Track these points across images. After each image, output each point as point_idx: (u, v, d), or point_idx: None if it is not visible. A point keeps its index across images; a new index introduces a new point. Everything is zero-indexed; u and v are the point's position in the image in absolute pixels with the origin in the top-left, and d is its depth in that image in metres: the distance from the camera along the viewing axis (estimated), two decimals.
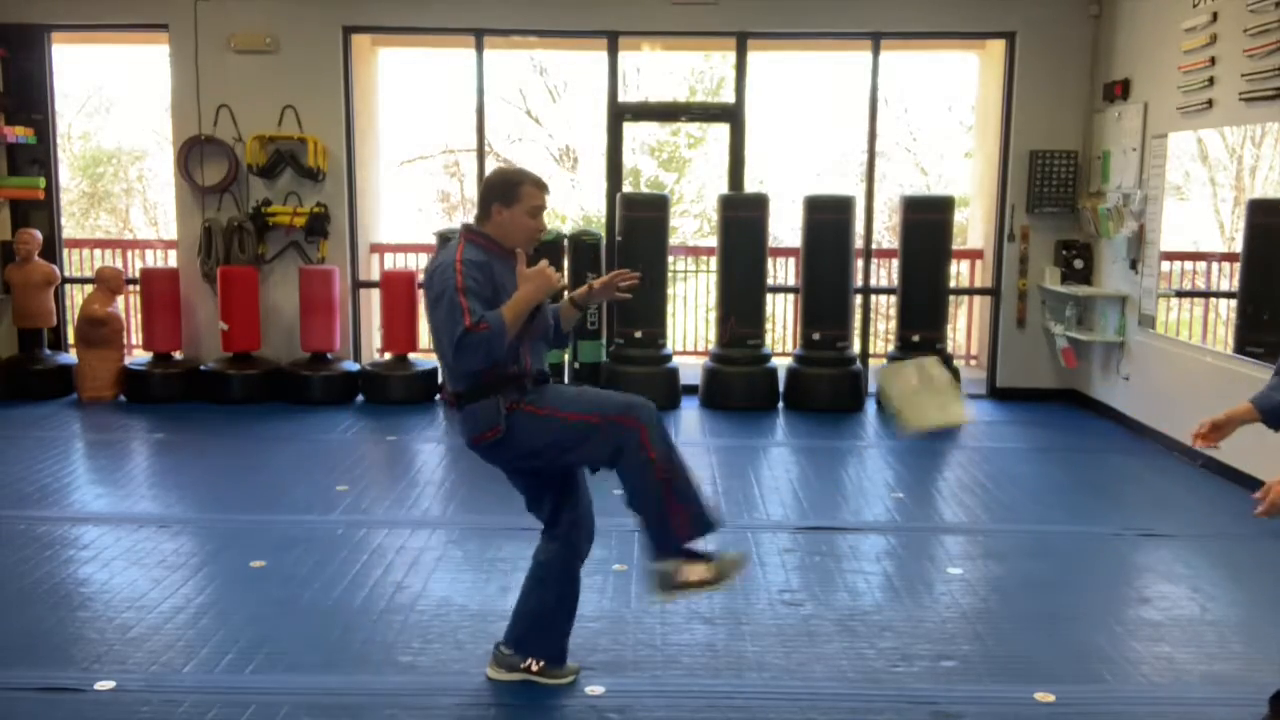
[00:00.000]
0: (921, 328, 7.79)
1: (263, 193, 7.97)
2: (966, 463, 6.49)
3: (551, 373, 3.54)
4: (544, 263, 3.20)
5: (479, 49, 8.01)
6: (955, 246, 8.28)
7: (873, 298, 8.84)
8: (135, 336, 8.83)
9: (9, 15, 7.87)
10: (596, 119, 8.75)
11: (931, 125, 15.05)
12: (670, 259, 8.42)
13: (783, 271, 9.45)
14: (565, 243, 7.85)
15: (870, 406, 7.86)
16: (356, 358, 8.30)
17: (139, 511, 5.33)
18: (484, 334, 3.05)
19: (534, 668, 3.46)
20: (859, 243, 8.14)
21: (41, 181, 8.10)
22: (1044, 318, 8.04)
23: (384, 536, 4.89)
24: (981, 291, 8.57)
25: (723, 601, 4.19)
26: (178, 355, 8.06)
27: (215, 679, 3.50)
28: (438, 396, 7.89)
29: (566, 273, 7.73)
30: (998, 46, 8.16)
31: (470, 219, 3.39)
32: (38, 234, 7.91)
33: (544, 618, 3.45)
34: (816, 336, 7.85)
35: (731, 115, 8.25)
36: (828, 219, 7.85)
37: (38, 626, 3.90)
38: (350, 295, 8.22)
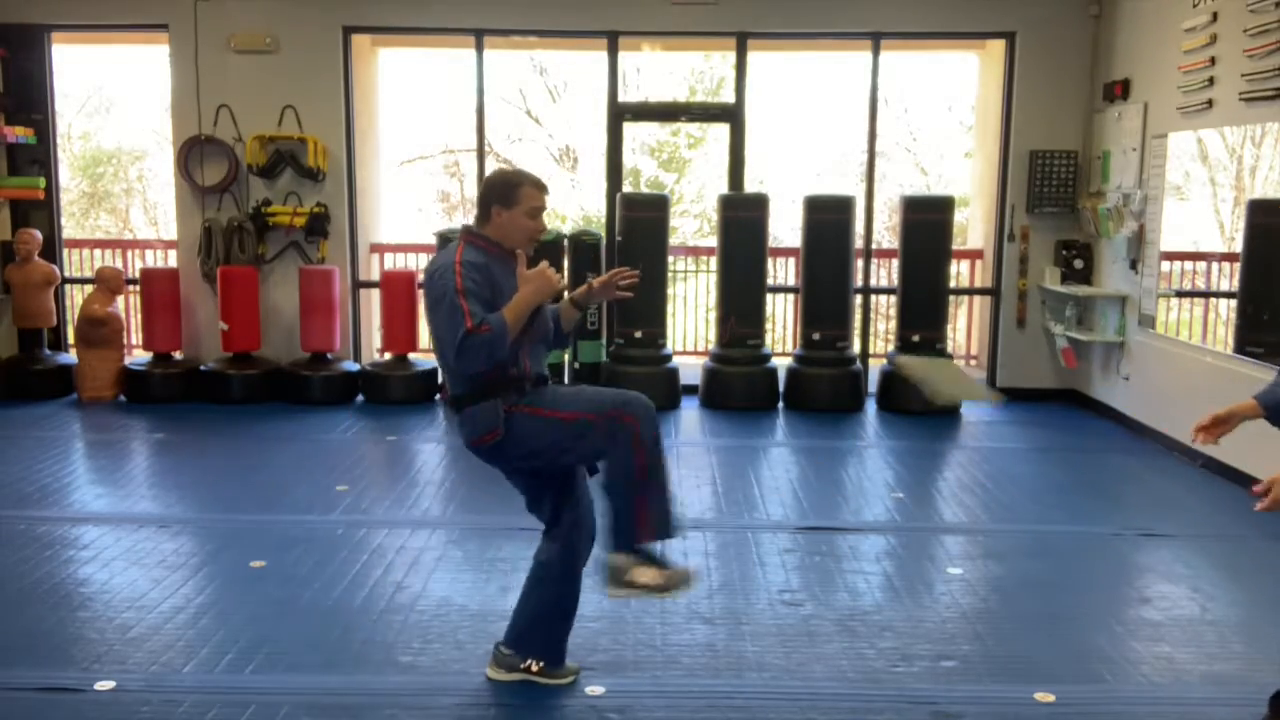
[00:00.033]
0: (921, 328, 7.78)
1: (263, 193, 7.97)
2: (966, 463, 6.50)
3: (551, 374, 3.54)
4: (544, 264, 3.20)
5: (479, 49, 8.01)
6: (955, 246, 8.27)
7: (873, 298, 8.84)
8: (135, 336, 8.83)
9: (9, 15, 7.87)
10: (596, 119, 8.76)
11: (931, 125, 15.06)
12: (670, 259, 8.42)
13: (783, 271, 9.45)
14: (565, 243, 7.85)
15: (870, 406, 7.86)
16: (356, 358, 8.30)
17: (139, 511, 5.33)
18: (485, 336, 3.05)
19: (534, 668, 3.46)
20: (859, 243, 8.14)
21: (41, 181, 8.10)
22: (1044, 318, 8.04)
23: (384, 536, 4.90)
24: (981, 291, 8.57)
25: (723, 601, 4.19)
26: (178, 355, 8.06)
27: (215, 679, 3.50)
28: (438, 396, 7.89)
29: (566, 273, 7.73)
30: (998, 46, 8.16)
31: (470, 220, 3.39)
32: (38, 234, 7.91)
33: (544, 618, 3.45)
34: (816, 336, 7.85)
35: (731, 115, 8.25)
36: (828, 219, 7.85)
37: (38, 626, 3.90)
38: (350, 295, 8.22)
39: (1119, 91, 7.39)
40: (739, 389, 7.77)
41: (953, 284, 8.17)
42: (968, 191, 10.27)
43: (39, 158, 8.16)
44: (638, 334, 7.78)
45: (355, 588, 4.29)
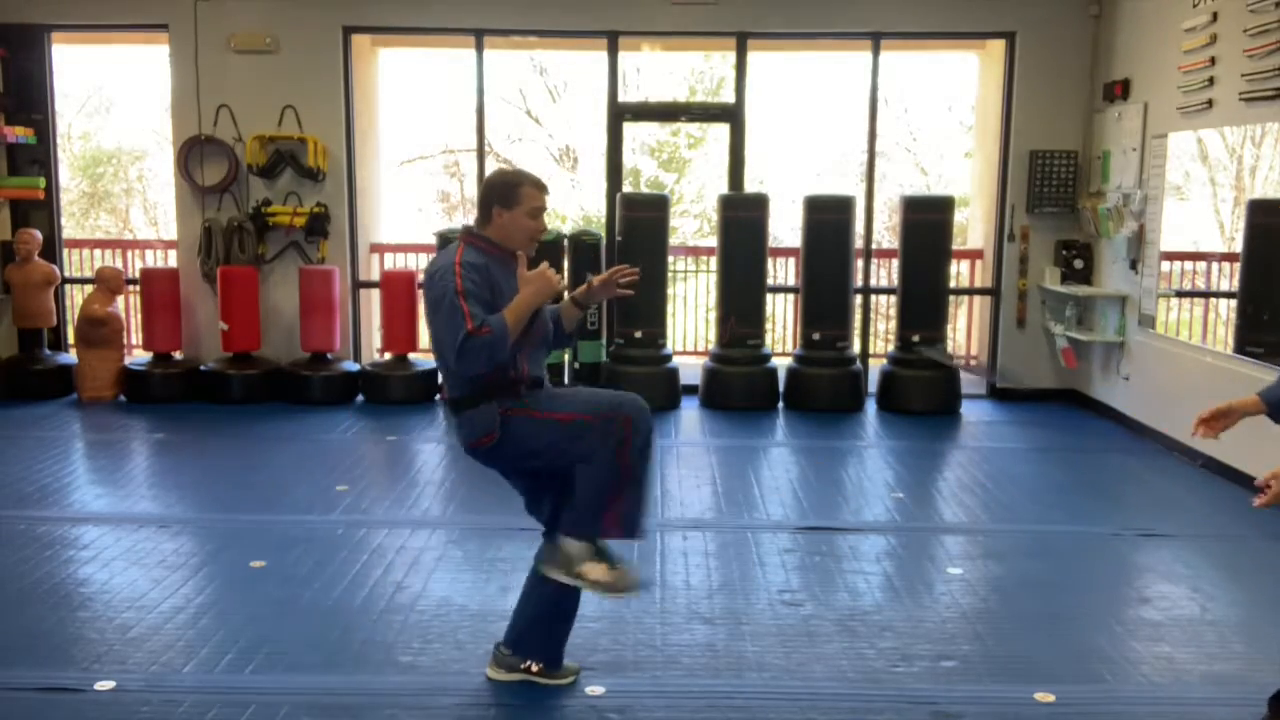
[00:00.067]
0: (921, 328, 7.78)
1: (263, 193, 7.97)
2: (966, 463, 6.50)
3: (549, 374, 3.54)
4: (544, 265, 3.20)
5: (479, 49, 8.01)
6: (955, 246, 8.27)
7: (873, 298, 8.84)
8: (135, 336, 8.83)
9: (9, 15, 7.87)
10: (596, 119, 8.76)
11: (931, 125, 15.06)
12: (670, 259, 8.42)
13: (783, 271, 9.45)
14: (565, 243, 7.85)
15: (870, 406, 7.86)
16: (356, 358, 8.30)
17: (139, 511, 5.33)
18: (486, 338, 3.04)
19: (534, 668, 3.46)
20: (859, 243, 8.14)
21: (41, 181, 8.10)
22: (1044, 318, 8.04)
23: (384, 536, 4.89)
24: (981, 291, 8.57)
25: (723, 601, 4.19)
26: (178, 355, 8.05)
27: (215, 679, 3.50)
28: (438, 397, 7.89)
29: (566, 273, 7.73)
30: (998, 46, 8.16)
31: (470, 220, 3.39)
32: (38, 234, 7.91)
33: (544, 620, 3.45)
34: (816, 336, 7.85)
35: (731, 115, 8.25)
36: (828, 219, 7.85)
37: (38, 626, 3.90)
38: (350, 295, 8.22)
39: (1119, 91, 7.39)
40: (739, 389, 7.77)
41: (953, 284, 8.17)
42: (968, 191, 10.27)
43: (39, 158, 8.16)
44: (638, 334, 7.78)
45: (355, 588, 4.29)
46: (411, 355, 8.00)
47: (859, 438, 7.09)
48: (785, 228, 11.70)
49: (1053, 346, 7.98)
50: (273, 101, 7.85)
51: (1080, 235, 7.93)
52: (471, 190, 14.18)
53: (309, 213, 7.87)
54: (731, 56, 8.18)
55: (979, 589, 4.39)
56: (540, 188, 3.30)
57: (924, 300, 7.80)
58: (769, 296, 8.39)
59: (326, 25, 7.86)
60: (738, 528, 5.13)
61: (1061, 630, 3.98)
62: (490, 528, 4.98)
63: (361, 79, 8.27)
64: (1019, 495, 5.77)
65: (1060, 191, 7.91)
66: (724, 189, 8.33)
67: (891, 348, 8.06)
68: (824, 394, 7.77)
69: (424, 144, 14.72)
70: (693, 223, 15.40)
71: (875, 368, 8.25)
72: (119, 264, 9.24)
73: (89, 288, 8.10)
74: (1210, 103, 6.24)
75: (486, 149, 8.48)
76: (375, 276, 8.43)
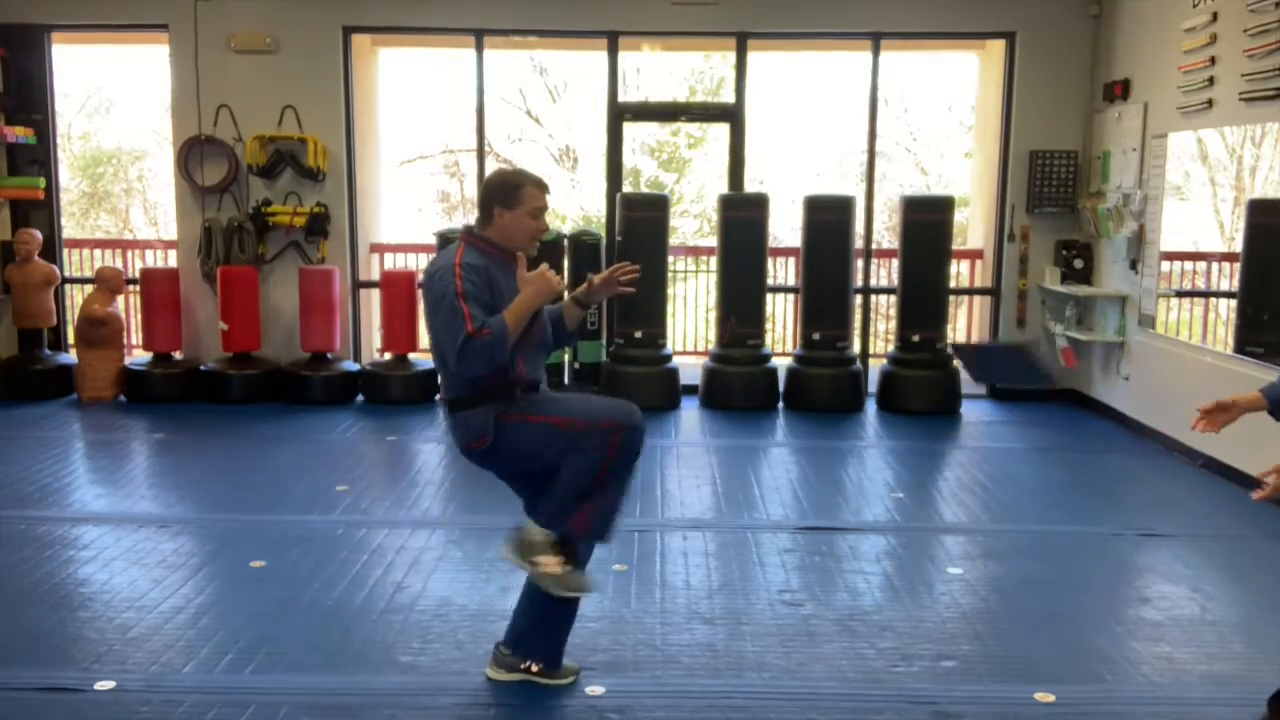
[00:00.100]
0: (921, 328, 7.78)
1: (263, 193, 7.97)
2: (966, 463, 6.50)
3: (548, 375, 3.53)
4: (544, 266, 3.20)
5: (479, 49, 8.01)
6: (955, 246, 8.27)
7: (873, 298, 8.84)
8: (135, 336, 8.83)
9: (9, 15, 7.87)
10: (596, 119, 8.76)
11: (931, 125, 15.06)
12: (670, 259, 8.42)
13: (783, 271, 9.45)
14: (565, 243, 7.85)
15: (870, 406, 7.86)
16: (356, 358, 8.30)
17: (139, 511, 5.33)
18: (486, 339, 3.04)
19: (534, 668, 3.46)
20: (859, 243, 8.14)
21: (41, 181, 8.10)
22: (1044, 318, 8.04)
23: (384, 536, 4.89)
24: (981, 291, 8.57)
25: (723, 601, 4.19)
26: (178, 355, 8.05)
27: (215, 679, 3.50)
28: (438, 397, 7.89)
29: (567, 273, 7.73)
30: (998, 46, 8.16)
31: (471, 220, 3.39)
32: (38, 234, 7.91)
33: (543, 620, 3.44)
34: (816, 336, 7.85)
35: (731, 115, 8.25)
36: (828, 219, 7.85)
37: (38, 626, 3.90)
38: (350, 295, 8.22)
39: (1119, 91, 7.39)
40: (739, 389, 7.77)
41: (953, 284, 8.17)
42: (968, 191, 10.27)
43: (39, 158, 8.16)
44: (638, 334, 7.78)
45: (355, 588, 4.29)
46: (411, 355, 8.00)
47: (859, 438, 7.09)
48: (785, 228, 11.70)
49: (1053, 346, 7.98)
50: (273, 101, 7.85)
51: (1080, 235, 7.93)
52: (471, 190, 14.18)
53: (309, 213, 7.87)
54: (731, 56, 8.18)
55: (979, 589, 4.39)
56: (541, 187, 3.30)
57: (924, 300, 7.80)
58: (769, 296, 8.39)
59: (326, 25, 7.86)
60: (738, 528, 5.13)
61: (1061, 630, 3.98)
62: (490, 528, 4.98)
63: (361, 79, 8.27)
64: (1019, 495, 5.77)
65: (1060, 191, 7.91)
66: (724, 189, 8.33)
67: (891, 348, 8.06)
68: (824, 394, 7.77)
69: (424, 144, 14.72)
70: (693, 223, 15.40)
71: (875, 368, 8.25)
72: (119, 264, 9.23)
73: (89, 288, 8.10)
74: (1210, 103, 6.24)
75: (486, 149, 8.48)
76: (375, 276, 8.43)
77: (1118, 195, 7.39)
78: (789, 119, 13.80)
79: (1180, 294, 7.07)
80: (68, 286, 8.61)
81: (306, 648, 3.73)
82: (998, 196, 8.14)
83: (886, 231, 12.23)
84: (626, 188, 8.78)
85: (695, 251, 11.17)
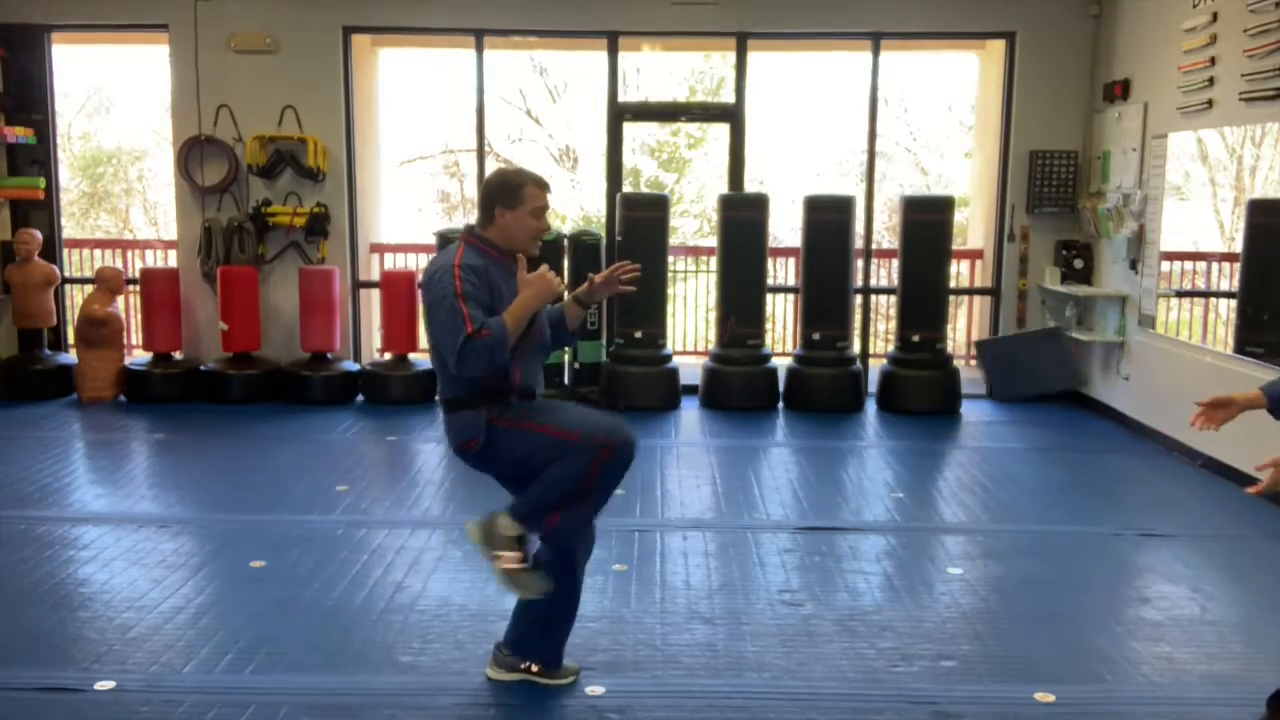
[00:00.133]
0: (921, 328, 7.78)
1: (263, 193, 7.97)
2: (966, 463, 6.50)
3: (549, 375, 3.53)
4: (544, 268, 3.20)
5: (479, 49, 8.01)
6: (955, 246, 8.28)
7: (873, 298, 8.84)
8: (135, 336, 8.83)
9: (9, 15, 7.87)
10: (596, 119, 8.76)
11: (931, 125, 15.06)
12: (670, 259, 8.42)
13: (783, 271, 9.45)
14: (565, 243, 7.85)
15: (870, 406, 7.85)
16: (356, 358, 8.30)
17: (139, 511, 5.33)
18: (486, 340, 3.04)
19: (533, 668, 3.46)
20: (859, 243, 8.14)
21: (41, 181, 8.10)
22: (1044, 318, 8.04)
23: (384, 536, 4.90)
24: (981, 291, 8.57)
25: (723, 601, 4.19)
26: (178, 355, 8.05)
27: (215, 679, 3.50)
28: (438, 397, 7.89)
29: (567, 273, 7.74)
30: (998, 46, 8.16)
31: (472, 220, 3.38)
32: (38, 234, 7.91)
33: (542, 622, 3.44)
34: (816, 336, 7.85)
35: (731, 115, 8.25)
36: (828, 219, 7.85)
37: (38, 626, 3.90)
38: (350, 295, 8.22)
39: (1119, 91, 7.39)
40: (739, 389, 7.77)
41: (953, 284, 8.17)
42: (968, 191, 10.27)
43: (39, 158, 8.16)
44: (638, 334, 7.78)
45: (355, 588, 4.29)
46: (411, 355, 8.00)
47: (859, 438, 7.09)
48: (785, 228, 11.70)
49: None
50: (273, 101, 7.85)
51: (1080, 235, 7.94)
52: (471, 190, 14.18)
53: (309, 213, 7.87)
54: (731, 56, 8.18)
55: (979, 589, 4.39)
56: (542, 186, 3.29)
57: (924, 300, 7.80)
58: (769, 296, 8.39)
59: (326, 25, 7.87)
60: (738, 528, 5.13)
61: (1061, 630, 3.98)
62: None
63: (361, 79, 8.27)
64: (1019, 495, 5.77)
65: (1060, 191, 7.91)
66: (724, 189, 8.33)
67: (891, 348, 8.06)
68: (824, 394, 7.77)
69: (424, 144, 14.72)
70: (693, 223, 15.40)
71: (875, 368, 8.26)
72: (119, 264, 9.24)
73: (89, 288, 8.10)
74: (1210, 103, 6.24)
75: (486, 149, 8.48)
76: (375, 276, 8.44)
77: (1118, 195, 7.40)
78: (789, 119, 13.80)
79: (1180, 294, 7.07)
80: (68, 286, 8.61)
81: (306, 648, 3.73)
82: (998, 196, 8.14)
83: (886, 231, 12.24)
84: (626, 188, 8.79)
85: (695, 251, 11.18)
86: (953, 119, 14.55)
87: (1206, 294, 7.13)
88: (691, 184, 15.59)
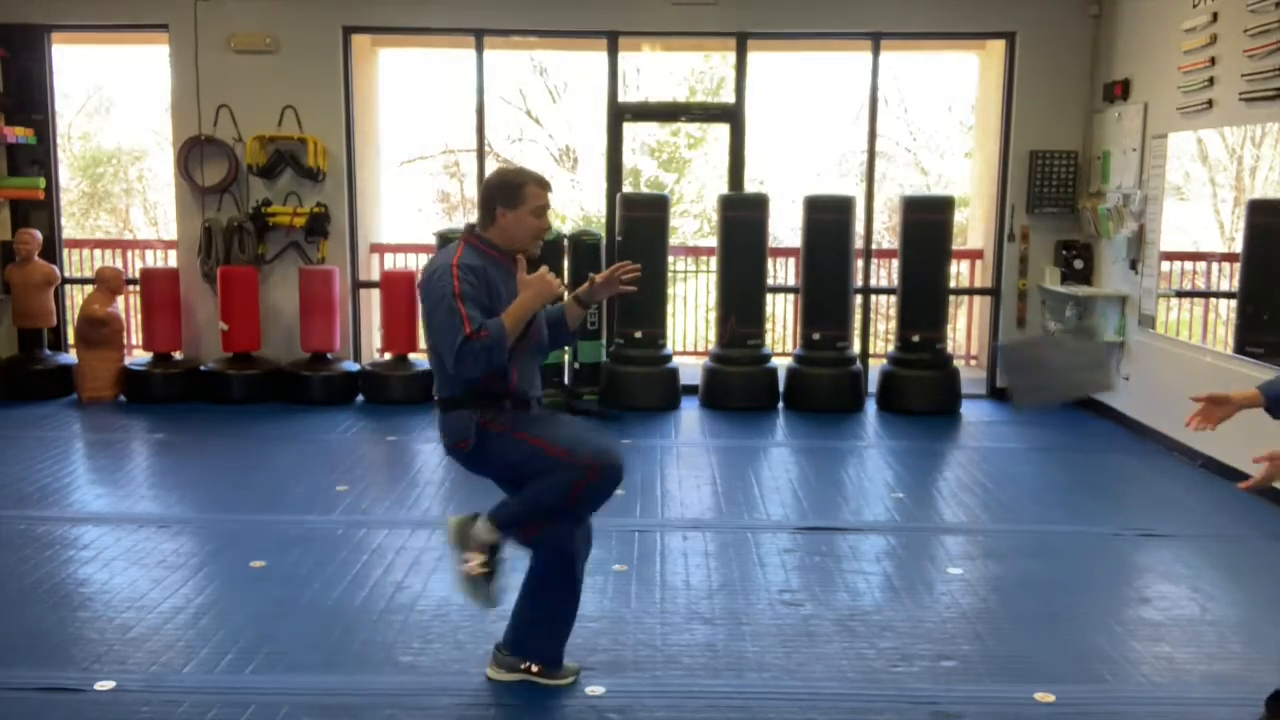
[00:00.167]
0: (921, 328, 7.78)
1: (263, 193, 7.97)
2: (966, 463, 6.50)
3: (545, 381, 3.53)
4: (544, 269, 3.20)
5: (479, 49, 8.01)
6: (955, 246, 8.28)
7: (873, 298, 8.84)
8: (135, 336, 8.83)
9: (9, 15, 7.87)
10: (596, 119, 8.76)
11: (931, 125, 15.06)
12: (670, 259, 8.42)
13: (783, 271, 9.45)
14: (565, 243, 7.85)
15: (870, 406, 7.86)
16: (356, 358, 8.30)
17: (139, 511, 5.33)
18: (484, 341, 3.04)
19: (533, 669, 3.46)
20: (859, 243, 8.14)
21: (41, 181, 8.10)
22: (1044, 318, 8.03)
23: (384, 536, 4.90)
24: (981, 291, 8.57)
25: (723, 601, 4.19)
26: (178, 355, 8.05)
27: (215, 679, 3.50)
28: (434, 395, 7.88)
29: (567, 273, 7.74)
30: (998, 46, 8.16)
31: (472, 220, 3.38)
32: (38, 234, 7.91)
33: (541, 622, 3.44)
34: (816, 336, 7.85)
35: (731, 115, 8.25)
36: (828, 219, 7.85)
37: (38, 626, 3.90)
38: (350, 295, 8.22)
39: (1119, 91, 7.39)
40: (739, 389, 7.77)
41: (953, 284, 8.17)
42: (968, 191, 10.27)
43: (39, 158, 8.16)
44: (638, 334, 7.78)
45: (355, 588, 4.29)
46: (411, 355, 8.00)
47: (859, 438, 7.09)
48: (785, 228, 11.70)
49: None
50: (273, 101, 7.85)
51: (1080, 235, 7.94)
52: (471, 190, 14.18)
53: (309, 213, 7.87)
54: (731, 56, 8.18)
55: (979, 589, 4.39)
56: (543, 185, 3.29)
57: (924, 300, 7.80)
58: (769, 296, 8.39)
59: (326, 25, 7.86)
60: (738, 528, 5.13)
61: (1061, 630, 3.98)
62: None
63: (361, 79, 8.27)
64: (1019, 495, 5.77)
65: (1060, 191, 7.91)
66: (724, 189, 8.33)
67: (891, 348, 8.06)
68: (824, 394, 7.77)
69: (424, 144, 14.72)
70: (693, 223, 15.40)
71: (875, 368, 8.26)
72: (119, 264, 9.24)
73: (89, 288, 8.10)
74: (1210, 103, 6.24)
75: (486, 149, 8.48)
76: (375, 276, 8.44)
77: (1118, 195, 7.40)
78: (789, 119, 13.80)
79: (1180, 294, 7.07)
80: (68, 286, 8.61)
81: (306, 648, 3.73)
82: (998, 196, 8.14)
83: (886, 231, 12.24)
84: (626, 188, 8.79)
85: (695, 251, 11.18)
86: (953, 119, 14.55)
87: (1206, 294, 7.13)
88: (691, 184, 15.59)
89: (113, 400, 7.82)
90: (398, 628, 3.91)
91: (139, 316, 8.51)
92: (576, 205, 15.06)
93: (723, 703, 3.39)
